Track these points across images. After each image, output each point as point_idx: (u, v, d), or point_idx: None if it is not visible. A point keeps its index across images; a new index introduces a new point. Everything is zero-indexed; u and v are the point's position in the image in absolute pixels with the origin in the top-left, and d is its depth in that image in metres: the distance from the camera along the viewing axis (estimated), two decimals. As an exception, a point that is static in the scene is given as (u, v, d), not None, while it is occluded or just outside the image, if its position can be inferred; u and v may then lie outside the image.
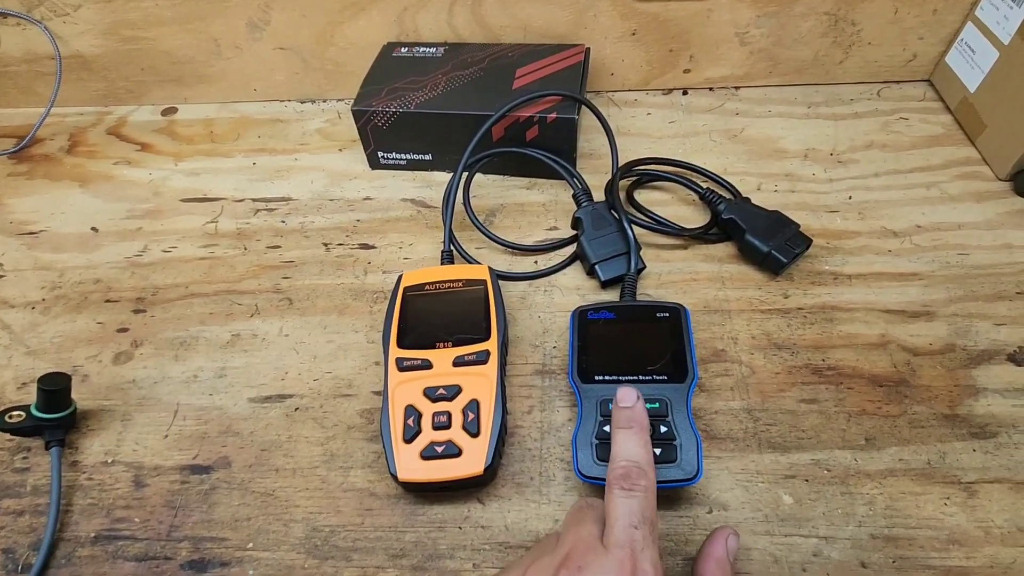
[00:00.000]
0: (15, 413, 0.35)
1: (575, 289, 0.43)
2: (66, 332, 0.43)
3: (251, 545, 0.32)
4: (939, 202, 0.46)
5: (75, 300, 0.45)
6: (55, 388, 0.35)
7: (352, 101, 0.49)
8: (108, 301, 0.44)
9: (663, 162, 0.49)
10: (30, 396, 0.39)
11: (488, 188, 0.50)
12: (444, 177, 0.51)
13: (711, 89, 0.57)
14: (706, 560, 0.27)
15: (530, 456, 0.35)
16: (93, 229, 0.50)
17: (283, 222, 0.49)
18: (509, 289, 0.43)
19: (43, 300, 0.45)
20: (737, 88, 0.56)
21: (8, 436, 0.37)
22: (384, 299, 0.43)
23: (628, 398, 0.30)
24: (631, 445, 0.28)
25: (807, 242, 0.41)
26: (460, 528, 0.32)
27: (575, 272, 0.44)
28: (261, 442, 0.36)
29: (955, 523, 0.31)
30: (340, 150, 0.54)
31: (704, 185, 0.45)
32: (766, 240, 0.40)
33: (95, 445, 0.37)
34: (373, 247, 0.46)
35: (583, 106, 0.47)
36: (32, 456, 0.37)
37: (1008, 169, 0.46)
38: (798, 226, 0.42)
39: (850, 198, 0.46)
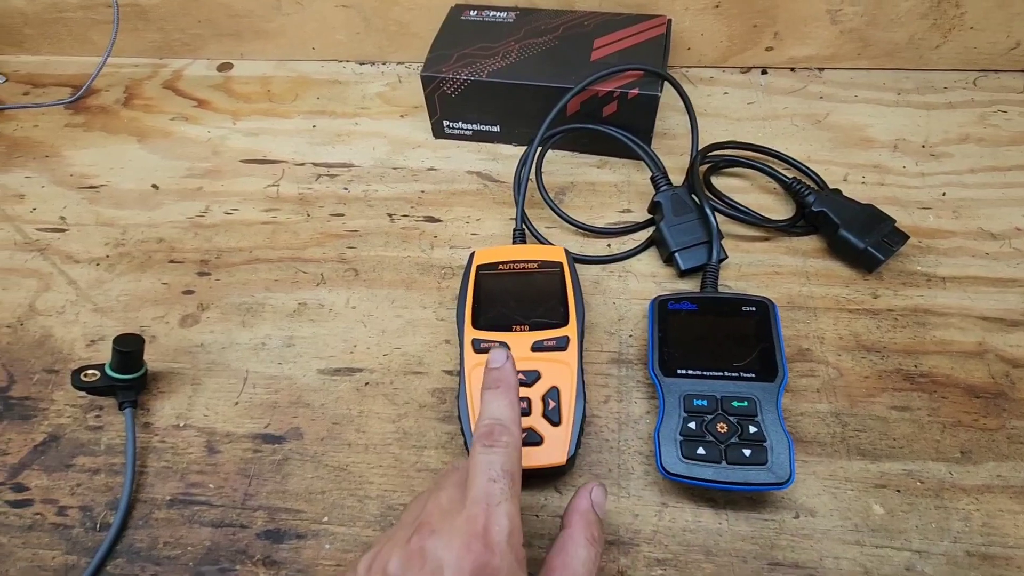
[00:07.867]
0: (90, 372, 0.35)
1: (651, 276, 0.41)
2: (132, 291, 0.42)
3: (326, 519, 0.32)
4: (1040, 204, 0.43)
5: (139, 259, 0.44)
6: (130, 349, 0.35)
7: (415, 65, 0.47)
8: (172, 262, 0.44)
9: (743, 147, 0.46)
10: (99, 354, 0.39)
11: (557, 164, 0.48)
12: (510, 150, 0.49)
13: (792, 69, 0.54)
14: (571, 513, 0.27)
15: (607, 447, 0.34)
16: (154, 186, 0.49)
17: (346, 189, 0.48)
18: (582, 272, 0.41)
19: (107, 256, 0.44)
20: (821, 70, 0.53)
21: (81, 394, 0.37)
22: (452, 276, 0.42)
23: (498, 359, 0.29)
24: (497, 404, 0.27)
25: (904, 239, 0.39)
26: (537, 516, 0.32)
27: (650, 258, 0.42)
28: (332, 415, 0.36)
29: (1055, 545, 0.30)
30: (402, 116, 0.53)
31: (790, 175, 0.43)
32: (862, 236, 0.38)
33: (166, 408, 0.37)
34: (439, 220, 0.45)
35: (665, 83, 0.45)
36: (104, 415, 0.37)
37: (1118, 172, 0.43)
38: (894, 222, 0.40)
39: (944, 195, 0.44)
